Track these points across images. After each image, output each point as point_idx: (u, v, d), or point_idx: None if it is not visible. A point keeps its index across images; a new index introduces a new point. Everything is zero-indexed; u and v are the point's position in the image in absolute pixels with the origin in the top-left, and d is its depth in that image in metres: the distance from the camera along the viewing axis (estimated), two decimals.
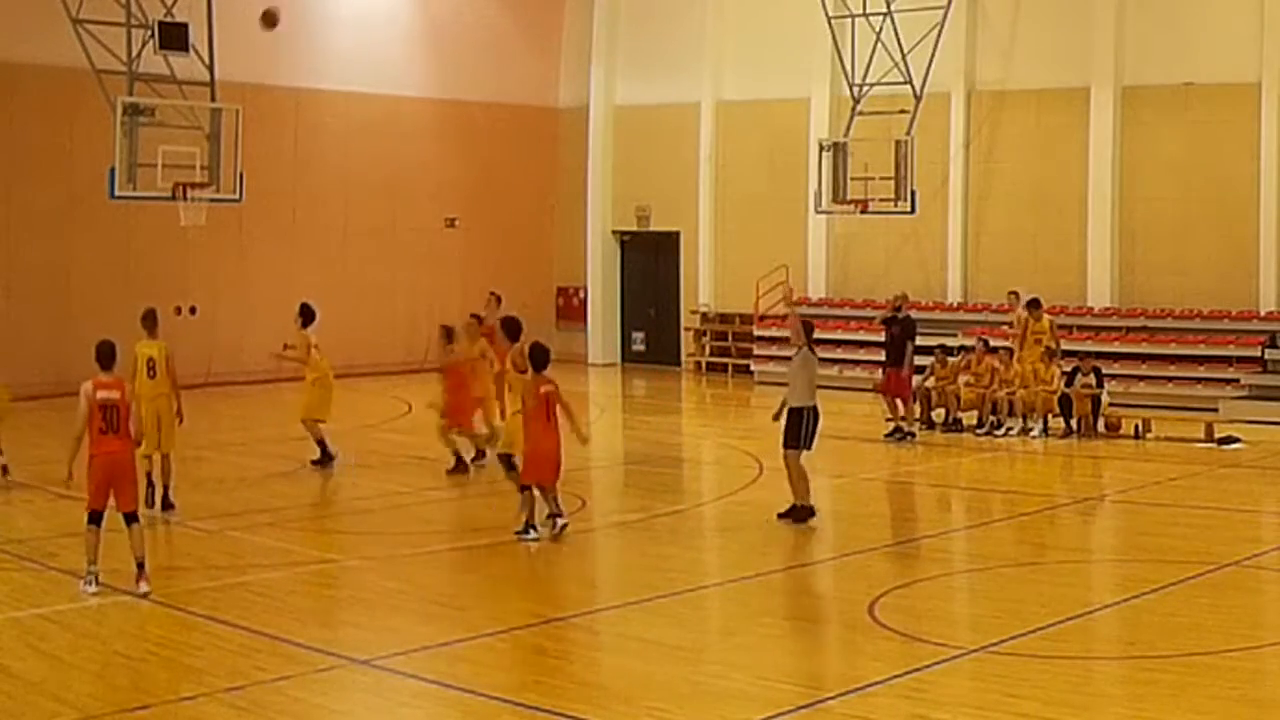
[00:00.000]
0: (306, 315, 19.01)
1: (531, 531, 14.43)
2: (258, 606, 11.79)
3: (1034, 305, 23.44)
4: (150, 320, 16.00)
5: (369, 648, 10.68)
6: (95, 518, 12.04)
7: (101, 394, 12.11)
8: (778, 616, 11.95)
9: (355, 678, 10.12)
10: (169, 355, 15.80)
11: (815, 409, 15.59)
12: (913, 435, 22.00)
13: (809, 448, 15.51)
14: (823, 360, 28.59)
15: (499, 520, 15.67)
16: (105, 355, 12.44)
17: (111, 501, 12.11)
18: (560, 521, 14.53)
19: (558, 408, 14.35)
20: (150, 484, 15.60)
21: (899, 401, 22.19)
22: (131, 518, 12.13)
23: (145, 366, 15.67)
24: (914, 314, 23.60)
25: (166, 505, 15.75)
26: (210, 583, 12.54)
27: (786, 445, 15.49)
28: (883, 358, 26.65)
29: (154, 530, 15.26)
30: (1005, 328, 24.63)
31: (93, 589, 11.98)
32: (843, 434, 22.45)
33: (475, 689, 9.77)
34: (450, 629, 11.37)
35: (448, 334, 18.90)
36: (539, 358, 14.34)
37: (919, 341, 23.05)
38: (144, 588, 11.97)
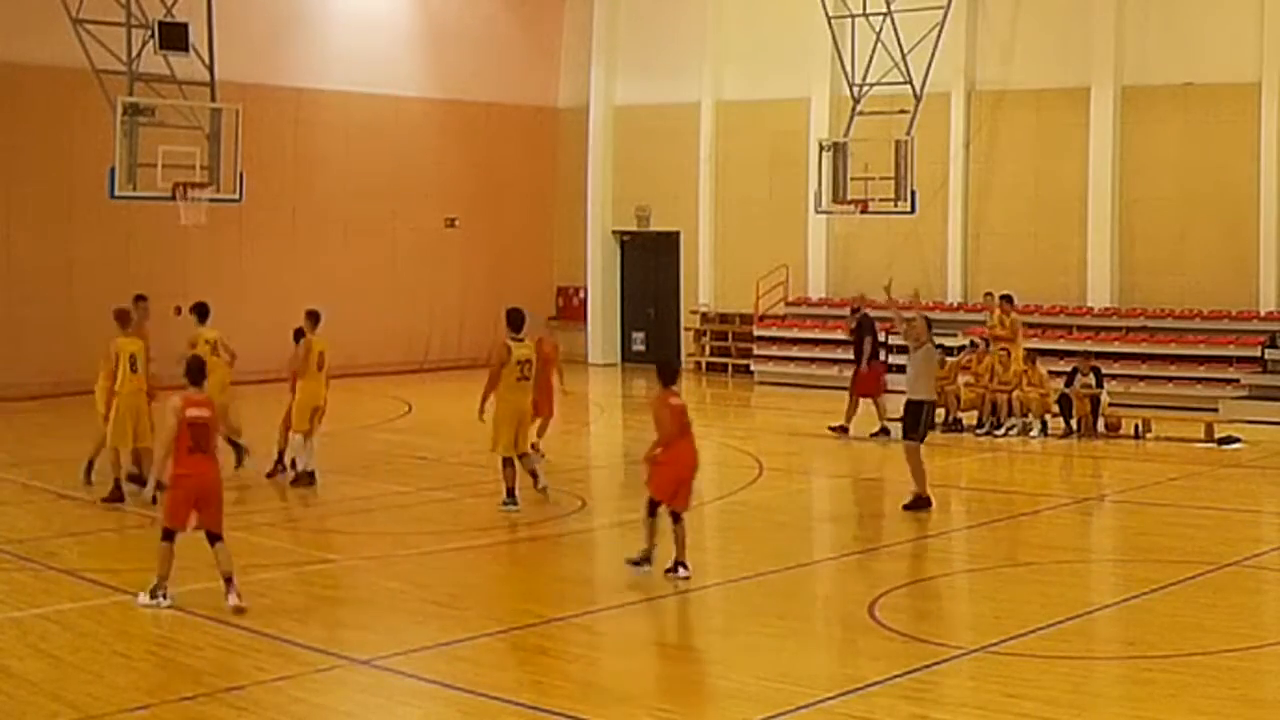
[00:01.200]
0: (200, 313, 18.24)
1: (645, 565, 12.99)
2: (258, 606, 11.77)
3: (1004, 300, 23.49)
4: (126, 317, 16.10)
5: (369, 648, 10.68)
6: (171, 535, 11.67)
7: (192, 412, 11.64)
8: (778, 616, 11.95)
9: (355, 678, 10.12)
10: (147, 351, 16.26)
11: (934, 403, 16.75)
12: (845, 430, 22.24)
13: (923, 439, 16.40)
14: (821, 361, 29.00)
15: (499, 520, 15.69)
16: (196, 371, 12.02)
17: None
18: (683, 571, 12.85)
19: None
20: (118, 477, 15.92)
21: (859, 400, 22.35)
22: (216, 537, 11.71)
23: (129, 362, 15.81)
24: (914, 314, 23.62)
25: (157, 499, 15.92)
26: (210, 583, 12.52)
27: (907, 437, 16.27)
28: (880, 357, 26.69)
29: (154, 530, 15.28)
30: (982, 328, 24.59)
31: (165, 603, 11.57)
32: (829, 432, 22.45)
33: (475, 689, 9.78)
34: (450, 629, 11.36)
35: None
36: (667, 372, 13.43)
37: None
38: (234, 601, 11.54)
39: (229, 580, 11.66)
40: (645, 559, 12.98)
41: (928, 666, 10.20)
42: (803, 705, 9.35)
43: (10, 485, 17.58)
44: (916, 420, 16.29)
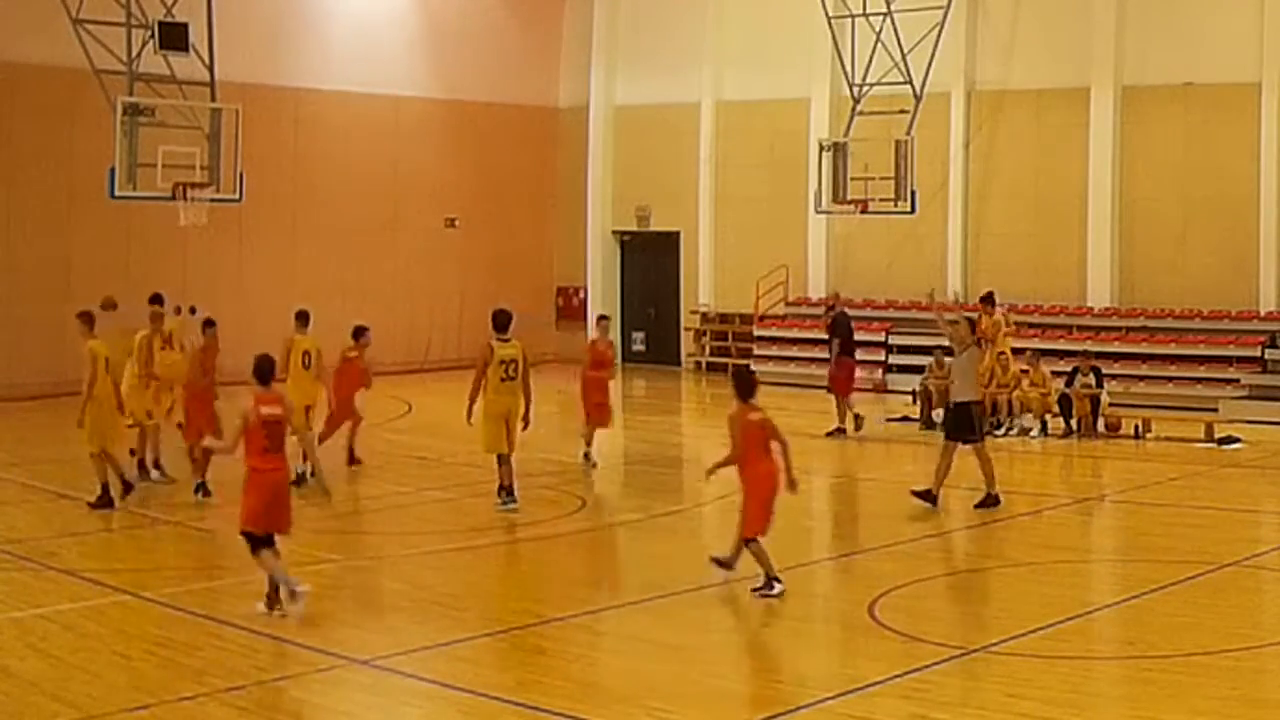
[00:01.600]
0: (156, 304, 17.89)
1: (776, 585, 12.21)
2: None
3: (983, 301, 23.41)
4: (91, 319, 16.16)
5: (369, 648, 10.68)
6: (263, 541, 11.46)
7: (265, 410, 11.54)
8: (778, 616, 11.94)
9: (355, 678, 10.12)
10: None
11: (980, 403, 17.17)
12: (843, 432, 22.22)
13: (982, 439, 16.59)
14: (821, 361, 28.96)
15: (499, 520, 15.68)
16: (266, 371, 11.78)
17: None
18: (778, 586, 12.20)
19: (772, 442, 12.52)
20: (105, 482, 15.87)
21: (840, 399, 22.36)
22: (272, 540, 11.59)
23: (104, 365, 15.83)
24: (914, 314, 23.66)
25: (128, 489, 16.18)
26: (211, 583, 12.53)
27: (965, 439, 16.29)
28: (881, 358, 26.68)
29: (154, 530, 15.32)
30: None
31: (302, 592, 11.42)
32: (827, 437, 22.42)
33: (475, 689, 9.77)
34: (450, 629, 11.36)
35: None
36: (744, 385, 12.61)
37: (920, 342, 23.03)
38: (262, 608, 11.48)
39: (282, 588, 11.48)
40: (772, 581, 12.23)
41: (928, 666, 10.19)
42: (803, 705, 9.35)
43: (10, 485, 17.58)
44: (969, 421, 16.38)
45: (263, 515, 11.46)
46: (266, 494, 11.52)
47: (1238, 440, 21.18)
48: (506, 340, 16.10)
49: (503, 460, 16.01)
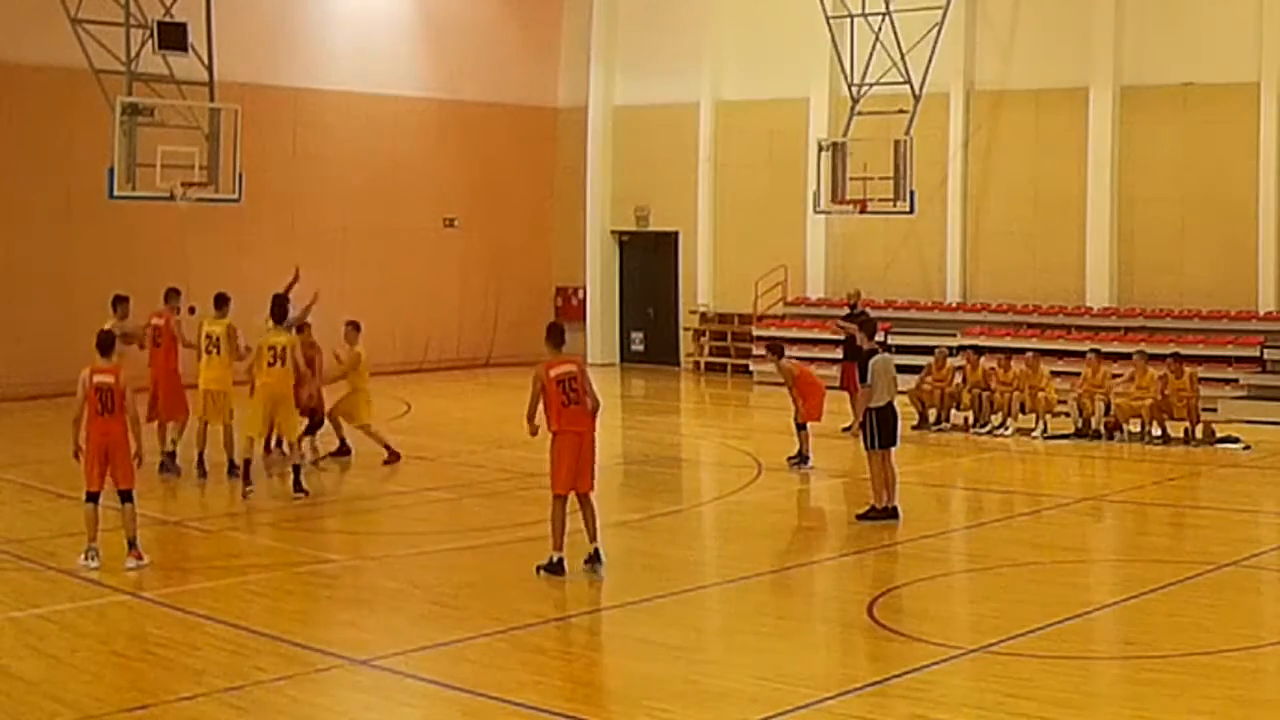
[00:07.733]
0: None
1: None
2: (258, 606, 11.80)
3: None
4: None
5: (369, 648, 10.68)
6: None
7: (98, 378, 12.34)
8: (778, 616, 11.96)
9: (355, 678, 10.12)
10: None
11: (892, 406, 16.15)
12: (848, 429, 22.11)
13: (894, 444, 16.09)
14: (821, 361, 28.97)
15: (499, 520, 15.69)
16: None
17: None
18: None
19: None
20: None
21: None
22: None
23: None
24: (914, 314, 23.65)
25: None
26: (210, 583, 12.52)
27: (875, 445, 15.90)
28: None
29: (154, 530, 15.30)
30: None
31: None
32: (843, 434, 22.40)
33: (475, 689, 9.78)
34: (450, 629, 11.36)
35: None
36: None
37: (920, 342, 23.02)
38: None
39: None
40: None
41: (928, 666, 10.20)
42: (802, 705, 9.35)
43: (9, 485, 17.57)
44: (888, 425, 16.24)
45: None
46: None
47: (1238, 440, 21.13)
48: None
49: None
